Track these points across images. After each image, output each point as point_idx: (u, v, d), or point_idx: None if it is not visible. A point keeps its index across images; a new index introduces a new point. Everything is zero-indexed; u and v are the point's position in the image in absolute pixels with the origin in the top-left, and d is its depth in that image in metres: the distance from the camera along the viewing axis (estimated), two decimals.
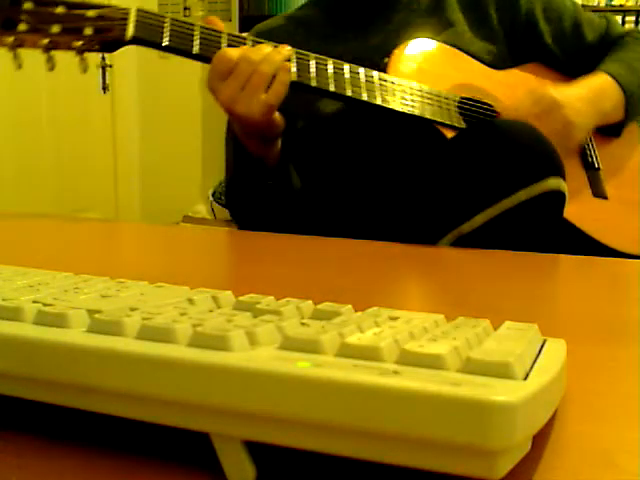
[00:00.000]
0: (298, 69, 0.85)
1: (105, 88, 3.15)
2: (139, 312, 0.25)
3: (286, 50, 0.83)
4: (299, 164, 0.99)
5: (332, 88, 0.86)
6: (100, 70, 3.07)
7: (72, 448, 0.23)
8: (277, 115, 0.83)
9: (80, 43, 0.80)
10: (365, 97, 0.87)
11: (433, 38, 0.99)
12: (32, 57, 0.80)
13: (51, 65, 0.81)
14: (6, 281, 0.32)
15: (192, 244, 0.76)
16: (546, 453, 0.24)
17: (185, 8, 3.45)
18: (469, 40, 1.00)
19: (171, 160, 3.39)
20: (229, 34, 0.85)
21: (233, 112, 0.81)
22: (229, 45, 0.83)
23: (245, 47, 0.82)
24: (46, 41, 0.79)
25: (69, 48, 0.80)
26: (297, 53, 0.85)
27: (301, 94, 0.91)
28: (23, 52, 0.80)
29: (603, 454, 0.24)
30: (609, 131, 1.03)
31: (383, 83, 0.89)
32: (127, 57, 3.02)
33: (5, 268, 0.36)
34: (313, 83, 0.85)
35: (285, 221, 1.00)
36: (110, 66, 3.10)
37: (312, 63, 0.86)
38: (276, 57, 0.81)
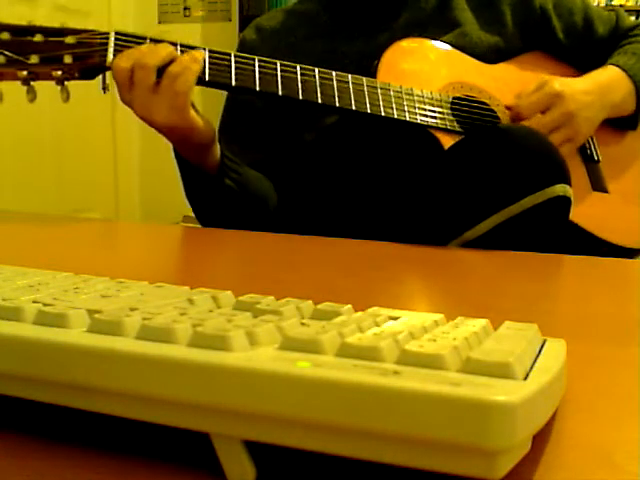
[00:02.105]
0: (262, 75, 0.80)
1: (105, 88, 3.14)
2: (139, 312, 0.25)
3: (198, 53, 0.78)
4: (308, 175, 0.98)
5: (300, 96, 0.81)
6: None
7: (72, 448, 0.23)
8: (199, 119, 0.79)
9: (60, 73, 0.77)
10: (337, 103, 0.83)
11: (439, 38, 0.98)
12: None
13: (32, 96, 0.78)
14: (6, 281, 0.32)
15: (192, 244, 0.76)
16: (546, 453, 0.24)
17: (185, 8, 3.45)
18: (477, 39, 0.99)
19: (171, 160, 3.37)
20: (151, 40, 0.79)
21: (154, 123, 0.77)
22: (116, 50, 0.77)
23: (137, 51, 0.77)
24: (25, 73, 0.76)
25: (49, 78, 0.78)
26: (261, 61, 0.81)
27: (308, 109, 0.87)
28: None
29: (603, 454, 0.24)
30: (623, 124, 1.02)
31: (358, 87, 0.85)
32: None
33: (5, 268, 0.36)
34: (278, 91, 0.80)
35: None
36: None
37: (278, 69, 0.81)
38: (185, 57, 0.76)
